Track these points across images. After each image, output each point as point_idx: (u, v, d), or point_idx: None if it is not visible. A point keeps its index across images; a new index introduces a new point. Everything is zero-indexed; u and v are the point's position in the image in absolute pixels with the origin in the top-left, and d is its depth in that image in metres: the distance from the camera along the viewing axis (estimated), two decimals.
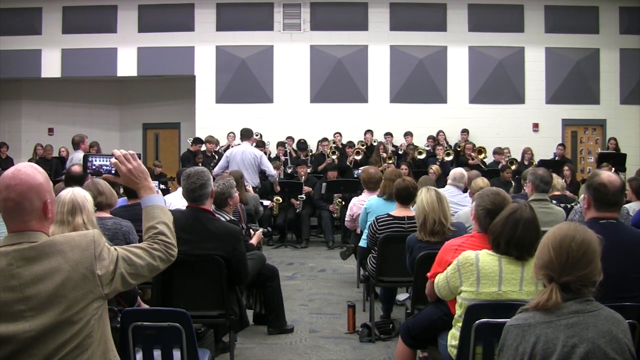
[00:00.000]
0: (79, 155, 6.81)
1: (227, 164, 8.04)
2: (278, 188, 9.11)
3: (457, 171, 6.31)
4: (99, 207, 3.85)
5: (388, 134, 11.94)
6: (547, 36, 12.59)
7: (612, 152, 11.24)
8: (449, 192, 5.80)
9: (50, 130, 13.57)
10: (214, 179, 4.22)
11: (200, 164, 9.54)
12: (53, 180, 2.21)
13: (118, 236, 3.75)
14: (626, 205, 4.64)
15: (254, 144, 9.03)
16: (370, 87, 12.61)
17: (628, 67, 12.64)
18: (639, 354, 2.09)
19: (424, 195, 3.86)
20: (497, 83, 12.55)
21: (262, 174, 8.45)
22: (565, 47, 12.56)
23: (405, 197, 4.76)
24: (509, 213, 2.77)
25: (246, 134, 8.49)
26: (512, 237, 2.70)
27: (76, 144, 7.29)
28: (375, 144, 11.65)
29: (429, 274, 3.14)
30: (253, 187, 7.64)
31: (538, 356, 1.86)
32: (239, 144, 8.76)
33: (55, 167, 11.04)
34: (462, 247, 2.96)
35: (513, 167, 10.24)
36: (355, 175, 9.96)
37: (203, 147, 10.99)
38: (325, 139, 11.55)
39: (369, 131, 12.03)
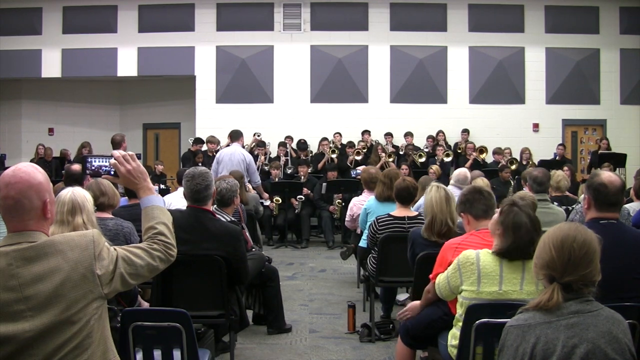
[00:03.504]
0: None
1: (217, 166, 7.73)
2: (266, 195, 8.63)
3: (460, 172, 6.14)
4: (101, 207, 3.85)
5: (388, 134, 11.92)
6: (547, 36, 12.58)
7: (611, 152, 11.22)
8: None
9: (51, 131, 13.56)
10: None
11: (200, 164, 9.50)
12: (53, 181, 2.21)
13: (119, 237, 3.74)
14: (626, 206, 4.63)
15: (247, 144, 8.76)
16: (371, 87, 12.60)
17: (628, 67, 12.62)
18: (639, 354, 2.09)
19: (434, 193, 3.76)
20: (497, 83, 12.54)
21: (263, 174, 8.35)
22: (565, 47, 12.54)
23: (405, 197, 4.76)
24: (511, 222, 2.68)
25: (235, 135, 8.16)
26: (518, 243, 2.66)
27: (117, 144, 7.08)
28: (373, 143, 11.64)
29: (431, 275, 3.13)
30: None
31: (538, 357, 1.85)
32: (227, 146, 8.40)
33: (55, 168, 11.02)
34: (463, 246, 2.95)
35: (513, 167, 10.23)
36: (354, 175, 9.95)
37: (204, 147, 10.99)
38: (325, 139, 11.55)
39: (367, 131, 12.02)
